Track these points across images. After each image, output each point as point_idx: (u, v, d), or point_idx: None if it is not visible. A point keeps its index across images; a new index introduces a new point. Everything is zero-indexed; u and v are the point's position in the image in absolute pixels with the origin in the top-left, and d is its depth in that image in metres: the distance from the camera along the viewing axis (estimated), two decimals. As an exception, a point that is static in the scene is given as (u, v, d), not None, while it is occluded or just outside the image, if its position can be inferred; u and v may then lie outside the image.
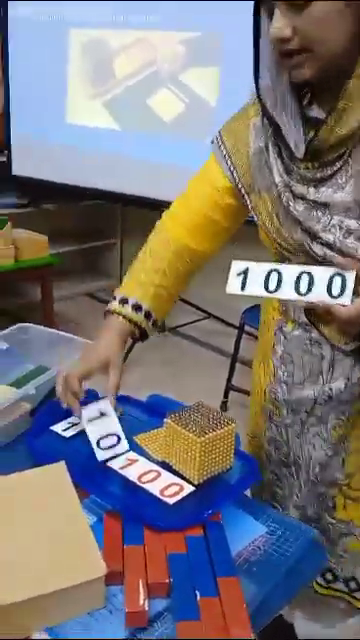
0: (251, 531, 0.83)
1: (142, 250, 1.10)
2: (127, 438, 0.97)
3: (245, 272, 0.91)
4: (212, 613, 0.67)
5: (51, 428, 1.02)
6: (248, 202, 1.00)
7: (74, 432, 1.00)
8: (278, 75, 0.87)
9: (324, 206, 0.87)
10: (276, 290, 0.88)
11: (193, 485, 0.86)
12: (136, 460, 0.93)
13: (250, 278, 0.91)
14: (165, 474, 0.89)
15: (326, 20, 0.77)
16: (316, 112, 0.89)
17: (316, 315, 0.95)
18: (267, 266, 0.90)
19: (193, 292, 3.27)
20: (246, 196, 1.00)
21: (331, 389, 0.97)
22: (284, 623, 1.25)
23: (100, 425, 0.97)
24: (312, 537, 0.84)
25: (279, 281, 0.88)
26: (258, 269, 0.91)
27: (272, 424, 1.07)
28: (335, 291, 0.84)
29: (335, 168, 0.86)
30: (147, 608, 0.68)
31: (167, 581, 0.72)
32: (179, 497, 0.84)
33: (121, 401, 1.10)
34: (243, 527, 0.83)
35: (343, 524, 1.04)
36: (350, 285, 0.84)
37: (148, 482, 0.87)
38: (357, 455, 1.00)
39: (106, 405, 1.00)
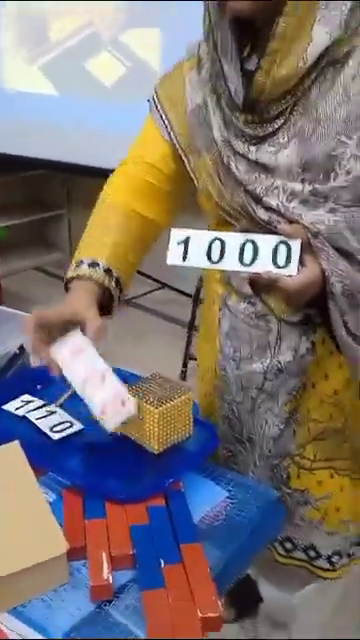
0: (212, 496, 0.84)
1: (89, 224, 1.04)
2: (83, 413, 0.95)
3: (186, 241, 0.87)
4: (176, 580, 0.67)
5: (2, 407, 0.99)
6: (187, 164, 0.97)
7: (27, 410, 0.98)
8: (220, 19, 0.83)
9: (265, 168, 0.85)
10: (219, 261, 0.85)
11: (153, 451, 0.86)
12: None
13: (192, 248, 0.87)
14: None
15: None
16: (254, 65, 0.85)
17: (261, 287, 0.92)
18: (209, 235, 0.87)
19: (146, 262, 3.25)
20: (185, 158, 0.97)
21: (280, 362, 0.96)
22: (249, 581, 1.28)
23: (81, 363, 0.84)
24: (272, 498, 0.85)
25: (222, 251, 0.85)
26: (200, 238, 0.87)
27: (224, 402, 1.05)
28: (281, 261, 0.82)
29: (276, 126, 0.84)
30: (111, 581, 0.68)
31: (130, 552, 0.72)
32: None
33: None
34: (204, 493, 0.84)
35: (298, 493, 1.04)
36: (296, 254, 0.81)
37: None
38: (307, 425, 1.01)
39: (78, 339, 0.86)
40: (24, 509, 0.73)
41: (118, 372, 1.10)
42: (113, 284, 0.96)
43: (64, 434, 0.92)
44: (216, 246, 0.86)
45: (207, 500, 0.83)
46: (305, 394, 0.99)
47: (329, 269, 0.82)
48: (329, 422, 1.00)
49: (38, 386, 1.05)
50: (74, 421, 0.95)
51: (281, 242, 0.82)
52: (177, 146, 0.97)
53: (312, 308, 0.90)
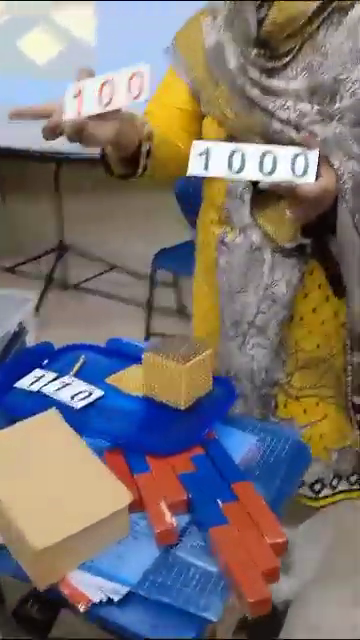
0: (244, 442, 0.88)
1: None
2: (95, 382, 0.97)
3: (207, 152, 0.88)
4: (238, 515, 0.71)
5: (15, 386, 0.98)
6: (204, 97, 1.03)
7: (41, 385, 0.98)
8: None
9: (276, 93, 0.93)
10: (240, 170, 0.87)
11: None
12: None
13: (213, 159, 0.88)
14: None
15: None
16: (264, 12, 0.93)
17: (261, 214, 1.00)
18: (230, 146, 0.88)
19: (94, 245, 3.22)
20: (202, 92, 1.03)
21: (273, 293, 1.02)
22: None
23: None
24: (297, 438, 0.91)
25: (242, 161, 0.87)
26: (220, 149, 0.88)
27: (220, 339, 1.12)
28: (298, 170, 0.84)
29: (286, 60, 0.93)
30: (175, 524, 0.70)
31: (185, 498, 0.74)
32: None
33: (79, 349, 1.09)
34: (235, 440, 0.87)
35: (285, 421, 1.10)
36: (313, 164, 0.84)
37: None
38: (296, 355, 1.07)
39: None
40: (80, 468, 0.74)
41: (115, 342, 1.13)
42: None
43: (85, 402, 0.93)
44: (237, 157, 0.87)
45: (240, 446, 0.86)
46: (293, 326, 1.05)
47: (341, 168, 0.88)
48: (316, 351, 1.07)
49: (45, 361, 1.05)
50: (92, 388, 0.96)
51: (299, 153, 0.85)
52: (192, 85, 1.05)
53: (321, 221, 0.93)
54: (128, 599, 0.66)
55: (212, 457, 0.81)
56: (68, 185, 3.07)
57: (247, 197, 1.01)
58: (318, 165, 0.84)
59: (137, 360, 1.02)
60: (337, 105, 0.91)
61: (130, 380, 0.99)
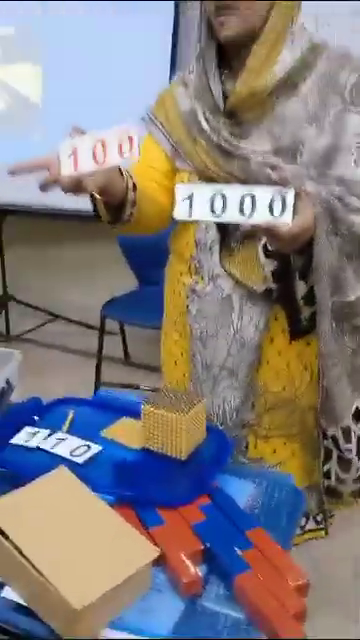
0: (244, 489, 0.91)
1: None
2: (89, 437, 0.98)
3: (190, 197, 0.94)
4: (258, 561, 0.74)
5: (11, 442, 0.97)
6: (182, 154, 1.12)
7: (38, 441, 0.97)
8: (208, 46, 1.06)
9: (245, 154, 1.05)
10: (222, 214, 0.92)
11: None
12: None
13: (196, 203, 0.93)
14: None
15: None
16: (229, 85, 1.07)
17: (230, 262, 1.09)
18: (211, 188, 0.93)
19: (37, 295, 3.19)
20: (182, 149, 1.12)
21: (242, 337, 1.10)
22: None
23: None
24: (291, 482, 0.96)
25: (224, 204, 0.92)
26: (203, 192, 0.93)
27: (191, 382, 1.19)
28: (277, 211, 0.89)
29: (249, 129, 1.05)
30: (200, 574, 0.73)
31: (202, 547, 0.77)
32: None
33: (67, 403, 1.10)
34: (235, 488, 0.91)
35: (255, 461, 1.16)
36: (290, 203, 0.89)
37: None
38: (264, 396, 1.14)
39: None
40: (103, 524, 0.75)
41: (103, 395, 1.15)
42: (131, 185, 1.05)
43: (87, 456, 0.94)
44: (218, 200, 0.93)
45: (240, 493, 0.90)
46: (261, 369, 1.13)
47: (317, 209, 0.96)
48: (282, 393, 1.14)
49: (35, 417, 1.05)
50: (90, 443, 0.97)
51: (276, 193, 0.89)
52: (171, 147, 1.14)
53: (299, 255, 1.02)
54: (162, 652, 0.67)
55: (220, 505, 0.84)
56: (11, 235, 3.06)
57: (216, 248, 1.10)
58: (296, 203, 0.90)
59: (126, 412, 1.05)
60: (298, 161, 1.03)
61: (126, 433, 1.01)
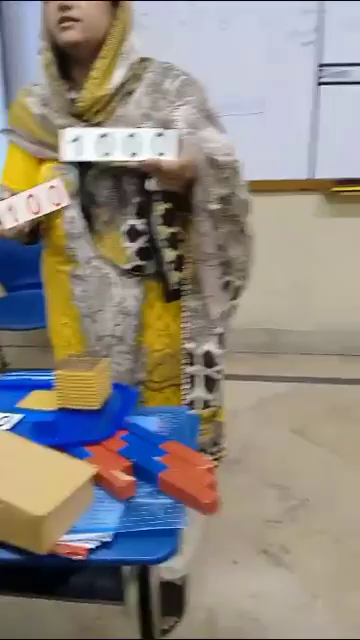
0: (151, 422, 1.11)
1: None
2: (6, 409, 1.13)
3: (78, 139, 1.07)
4: (174, 461, 0.95)
5: None
6: (47, 148, 1.27)
7: None
8: (50, 52, 1.24)
9: None
10: (109, 153, 1.05)
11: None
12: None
13: (84, 144, 1.06)
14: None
15: (96, 5, 1.19)
16: (73, 94, 1.26)
17: (100, 246, 1.27)
18: (97, 131, 1.07)
19: None
20: (45, 145, 1.28)
21: (125, 307, 1.31)
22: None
23: None
24: (185, 410, 1.18)
25: (111, 145, 1.06)
26: (90, 134, 1.06)
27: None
28: (160, 149, 1.02)
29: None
30: (133, 479, 0.91)
31: (130, 463, 0.95)
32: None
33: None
34: (145, 422, 1.10)
35: None
36: (174, 142, 1.03)
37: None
38: (152, 355, 1.35)
39: None
40: (44, 456, 0.91)
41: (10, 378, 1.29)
42: None
43: (11, 424, 1.08)
44: (105, 140, 1.06)
45: (150, 424, 1.10)
46: (145, 332, 1.34)
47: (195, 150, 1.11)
48: (166, 349, 1.35)
49: None
50: (9, 414, 1.11)
51: (159, 134, 1.02)
52: (33, 146, 1.30)
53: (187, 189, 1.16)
54: (114, 540, 0.84)
55: (136, 434, 1.04)
56: None
57: (86, 236, 1.29)
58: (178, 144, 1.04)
59: (32, 388, 1.20)
60: None
61: (39, 401, 1.16)
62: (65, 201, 1.14)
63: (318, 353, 3.00)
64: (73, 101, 1.24)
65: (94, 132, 1.08)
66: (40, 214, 1.13)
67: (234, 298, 1.37)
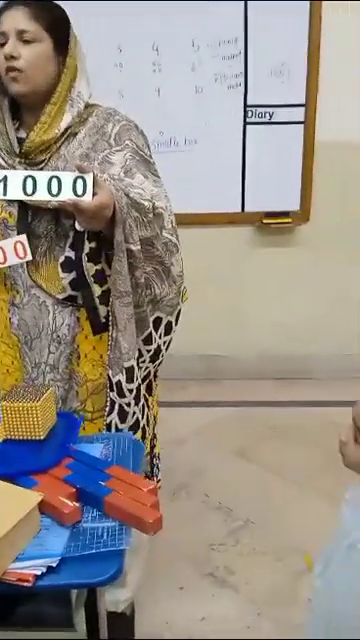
0: (95, 449, 1.15)
1: None
2: None
3: (4, 179, 1.15)
4: (118, 485, 0.99)
5: None
6: None
7: None
8: (2, 95, 1.31)
9: None
10: (33, 193, 1.13)
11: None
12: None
13: (10, 184, 1.14)
14: None
15: (40, 56, 1.25)
16: (22, 133, 1.34)
17: (37, 276, 1.33)
18: (22, 173, 1.15)
19: None
20: None
21: (58, 336, 1.36)
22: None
23: None
24: (131, 437, 1.22)
25: (34, 185, 1.15)
26: (15, 175, 1.14)
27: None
28: (79, 191, 1.13)
29: (41, 166, 1.30)
30: (77, 505, 0.95)
31: (74, 490, 0.99)
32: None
33: None
34: (88, 449, 1.14)
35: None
36: (90, 184, 1.13)
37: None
38: (85, 385, 1.39)
39: None
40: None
41: None
42: None
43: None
44: (29, 182, 1.15)
45: (95, 451, 1.14)
46: (81, 362, 1.38)
47: (115, 194, 1.20)
48: (100, 379, 1.40)
49: None
50: None
51: (78, 177, 1.12)
52: None
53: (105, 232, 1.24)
54: (61, 565, 0.87)
55: (81, 461, 1.07)
56: None
57: (25, 266, 1.34)
58: (95, 187, 1.13)
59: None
60: None
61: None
62: (28, 256, 1.23)
63: (254, 378, 3.10)
64: (20, 141, 1.31)
65: (20, 174, 1.17)
66: (5, 265, 1.23)
67: (167, 333, 1.43)
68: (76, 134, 1.33)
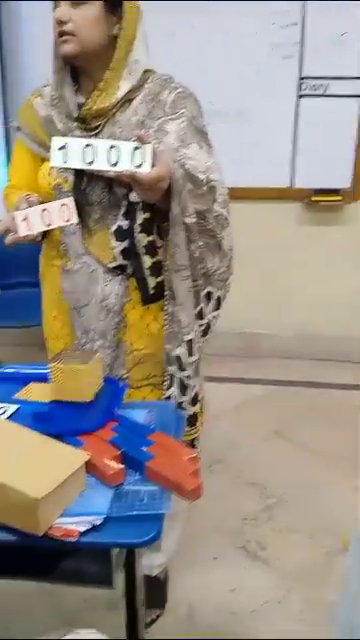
0: (139, 415, 1.16)
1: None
2: (3, 401, 1.17)
3: (64, 147, 1.16)
4: (159, 451, 1.00)
5: None
6: (45, 151, 1.33)
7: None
8: (62, 65, 1.31)
9: None
10: (92, 162, 1.14)
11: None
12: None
13: (70, 152, 1.15)
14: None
15: (89, 18, 1.25)
16: (80, 98, 1.34)
17: (89, 243, 1.34)
18: (83, 141, 1.16)
19: None
20: (44, 146, 1.34)
21: (107, 304, 1.37)
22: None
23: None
24: (172, 407, 1.23)
25: (94, 154, 1.15)
26: (76, 144, 1.15)
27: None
28: (138, 161, 1.12)
29: (96, 132, 1.31)
30: (122, 467, 0.96)
31: (119, 452, 1.00)
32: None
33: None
34: (133, 415, 1.15)
35: None
36: (148, 155, 1.12)
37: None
38: (132, 354, 1.41)
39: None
40: (40, 444, 0.96)
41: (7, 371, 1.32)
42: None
43: (8, 414, 1.12)
44: (89, 150, 1.15)
45: (139, 417, 1.15)
46: (127, 331, 1.39)
47: (172, 166, 1.20)
48: (146, 349, 1.41)
49: None
50: (6, 405, 1.15)
51: (137, 147, 1.11)
52: (36, 145, 1.38)
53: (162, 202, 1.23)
54: (104, 524, 0.89)
55: (124, 425, 1.09)
56: None
57: (78, 232, 1.35)
58: (153, 157, 1.13)
59: (28, 380, 1.24)
60: None
61: (35, 393, 1.20)
62: (74, 219, 1.23)
63: (294, 357, 3.08)
64: (79, 105, 1.32)
65: (79, 142, 1.17)
66: (51, 227, 1.23)
67: (216, 309, 1.43)
68: (132, 100, 1.32)
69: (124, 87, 1.29)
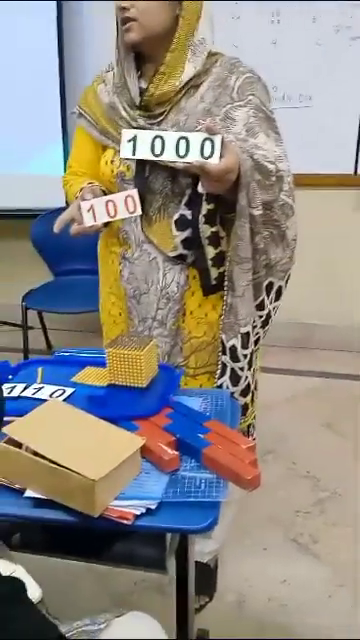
0: (194, 402, 1.16)
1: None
2: (61, 383, 1.18)
3: (134, 139, 1.17)
4: (217, 439, 0.99)
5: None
6: (108, 138, 1.35)
7: (19, 391, 1.15)
8: (125, 52, 1.30)
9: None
10: (161, 154, 1.14)
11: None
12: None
13: (139, 144, 1.16)
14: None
15: (151, 5, 1.22)
16: (143, 84, 1.31)
17: (150, 231, 1.33)
18: (152, 133, 1.17)
19: None
20: (108, 134, 1.35)
21: (167, 293, 1.36)
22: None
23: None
24: (227, 394, 1.22)
25: (162, 146, 1.15)
26: (145, 135, 1.16)
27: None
28: (207, 153, 1.10)
29: (159, 119, 1.28)
30: (177, 453, 0.96)
31: (174, 439, 1.00)
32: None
33: (34, 363, 1.29)
34: (189, 402, 1.15)
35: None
36: (218, 147, 1.09)
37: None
38: (190, 342, 1.40)
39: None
40: (97, 427, 0.97)
41: (61, 356, 1.34)
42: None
43: (65, 396, 1.13)
44: (158, 142, 1.15)
45: (194, 404, 1.15)
46: (185, 319, 1.38)
47: (241, 157, 1.17)
48: (204, 337, 1.40)
49: (10, 376, 1.23)
50: (64, 387, 1.17)
51: (206, 139, 1.09)
52: (97, 132, 1.37)
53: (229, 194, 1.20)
54: (159, 508, 0.89)
55: (180, 412, 1.08)
56: None
57: (139, 220, 1.34)
58: (222, 150, 1.11)
59: (83, 364, 1.26)
60: None
61: (92, 377, 1.22)
62: (138, 210, 1.24)
63: (347, 350, 3.00)
64: (142, 92, 1.29)
65: (149, 134, 1.17)
66: (116, 218, 1.24)
67: (277, 299, 1.40)
68: (198, 86, 1.28)
69: (189, 70, 1.26)
